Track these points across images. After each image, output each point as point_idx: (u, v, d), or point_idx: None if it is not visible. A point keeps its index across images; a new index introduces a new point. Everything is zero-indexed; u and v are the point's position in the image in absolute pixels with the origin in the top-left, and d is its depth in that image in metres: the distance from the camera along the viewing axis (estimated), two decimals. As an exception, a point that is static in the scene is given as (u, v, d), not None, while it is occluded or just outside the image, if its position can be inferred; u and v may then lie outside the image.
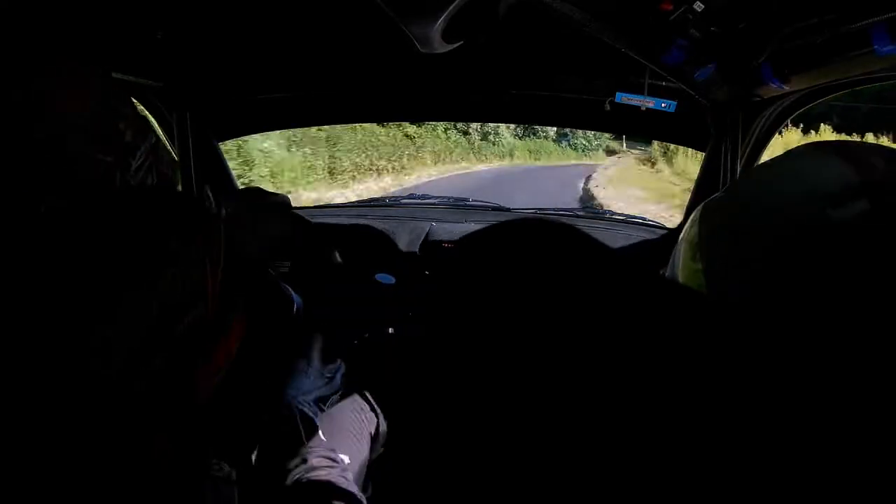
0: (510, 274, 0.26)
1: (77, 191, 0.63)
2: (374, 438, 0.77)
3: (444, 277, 0.31)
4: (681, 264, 0.39)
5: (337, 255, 1.12)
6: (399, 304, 1.31)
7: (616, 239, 1.39)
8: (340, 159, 9.98)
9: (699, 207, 0.42)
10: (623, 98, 1.12)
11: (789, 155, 0.40)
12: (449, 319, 0.27)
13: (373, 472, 0.76)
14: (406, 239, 1.44)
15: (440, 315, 0.28)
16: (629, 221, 1.67)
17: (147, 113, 1.41)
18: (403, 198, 1.81)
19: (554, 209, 1.85)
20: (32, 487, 0.34)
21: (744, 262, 0.33)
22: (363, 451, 0.73)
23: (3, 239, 0.40)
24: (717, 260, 0.36)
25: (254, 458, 0.78)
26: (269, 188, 1.04)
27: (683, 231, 0.42)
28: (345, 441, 0.72)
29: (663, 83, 1.11)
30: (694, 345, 0.25)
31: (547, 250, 0.28)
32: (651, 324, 0.25)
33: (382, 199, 1.89)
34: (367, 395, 0.80)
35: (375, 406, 0.79)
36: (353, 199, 4.73)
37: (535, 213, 1.74)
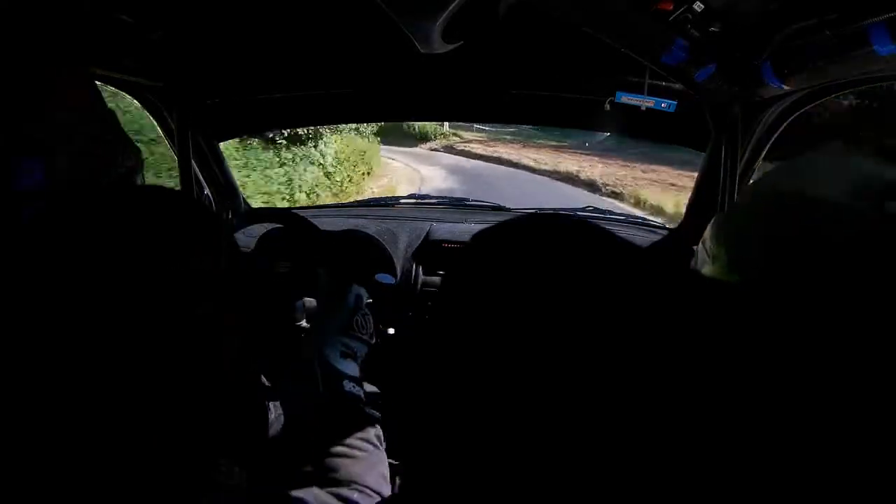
0: (533, 271, 0.25)
1: (74, 190, 0.63)
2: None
3: (456, 276, 0.29)
4: (712, 255, 0.38)
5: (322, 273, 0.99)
6: (399, 304, 1.31)
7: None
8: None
9: (742, 196, 0.40)
10: (623, 98, 1.12)
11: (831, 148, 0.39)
12: (462, 318, 0.26)
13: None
14: (406, 239, 1.44)
15: (452, 314, 0.28)
16: (629, 221, 1.67)
17: (147, 113, 1.41)
18: (403, 198, 1.81)
19: (553, 209, 1.85)
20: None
21: (795, 254, 0.32)
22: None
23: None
24: (765, 251, 0.34)
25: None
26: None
27: (714, 224, 0.40)
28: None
29: (663, 83, 1.11)
30: (730, 345, 0.24)
31: (570, 247, 0.27)
32: (682, 319, 0.24)
33: (382, 199, 1.89)
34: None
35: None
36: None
37: (536, 213, 1.74)
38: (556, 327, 0.23)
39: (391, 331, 1.27)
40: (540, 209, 1.82)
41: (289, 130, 6.90)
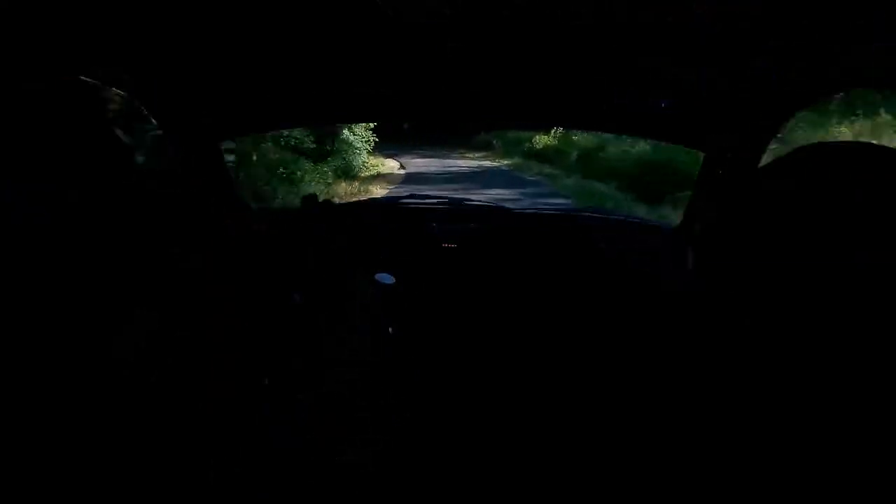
0: (529, 274, 0.26)
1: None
2: None
3: (455, 277, 0.30)
4: None
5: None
6: (399, 304, 1.31)
7: (615, 239, 1.39)
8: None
9: None
10: (623, 98, 1.12)
11: None
12: (459, 317, 0.27)
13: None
14: (405, 239, 1.44)
15: (450, 313, 0.28)
16: (630, 221, 1.67)
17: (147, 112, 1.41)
18: (402, 198, 1.81)
19: (553, 210, 1.85)
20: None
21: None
22: None
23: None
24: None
25: None
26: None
27: None
28: None
29: (663, 83, 1.11)
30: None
31: (564, 253, 0.27)
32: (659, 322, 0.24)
33: (381, 198, 1.89)
34: None
35: None
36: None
37: (535, 213, 1.74)
38: (545, 326, 0.24)
39: (390, 331, 1.26)
40: (540, 210, 1.82)
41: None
